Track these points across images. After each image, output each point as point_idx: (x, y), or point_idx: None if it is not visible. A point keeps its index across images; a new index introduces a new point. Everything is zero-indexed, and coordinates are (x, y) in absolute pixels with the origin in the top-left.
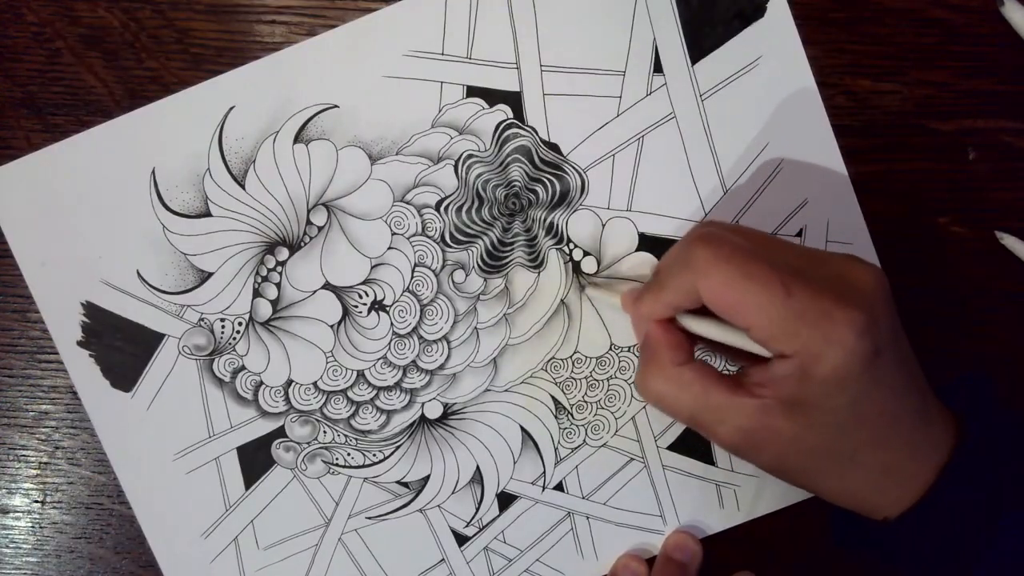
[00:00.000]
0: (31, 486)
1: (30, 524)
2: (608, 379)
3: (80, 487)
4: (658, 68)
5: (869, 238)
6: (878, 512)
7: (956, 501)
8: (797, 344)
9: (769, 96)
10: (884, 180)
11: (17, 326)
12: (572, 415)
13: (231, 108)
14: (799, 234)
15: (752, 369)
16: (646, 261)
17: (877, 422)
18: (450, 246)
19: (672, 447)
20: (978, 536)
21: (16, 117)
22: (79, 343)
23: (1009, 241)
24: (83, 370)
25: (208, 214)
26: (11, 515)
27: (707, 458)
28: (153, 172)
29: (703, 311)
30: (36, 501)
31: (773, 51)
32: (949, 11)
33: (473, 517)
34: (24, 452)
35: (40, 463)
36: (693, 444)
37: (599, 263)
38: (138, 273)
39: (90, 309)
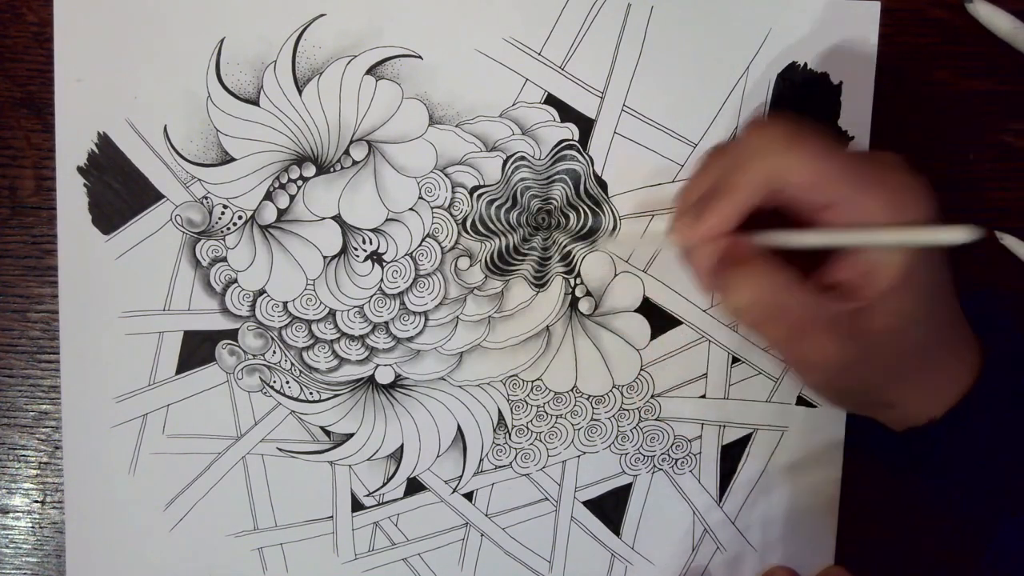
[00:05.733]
0: (31, 486)
1: (30, 524)
2: (558, 417)
3: None
4: None
5: None
6: (926, 417)
7: (992, 402)
8: (899, 211)
9: None
10: None
11: (17, 326)
12: (511, 435)
13: (321, 15)
14: None
15: (834, 269)
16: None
17: (944, 306)
18: (467, 233)
19: (588, 504)
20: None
21: (16, 117)
22: (80, 169)
23: (1009, 241)
24: (72, 198)
25: (256, 103)
26: (11, 515)
27: (615, 527)
28: (221, 42)
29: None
30: (36, 501)
31: None
32: (949, 11)
33: (377, 490)
34: (24, 452)
35: (40, 463)
36: (608, 510)
37: (596, 307)
38: (164, 128)
39: (103, 141)
